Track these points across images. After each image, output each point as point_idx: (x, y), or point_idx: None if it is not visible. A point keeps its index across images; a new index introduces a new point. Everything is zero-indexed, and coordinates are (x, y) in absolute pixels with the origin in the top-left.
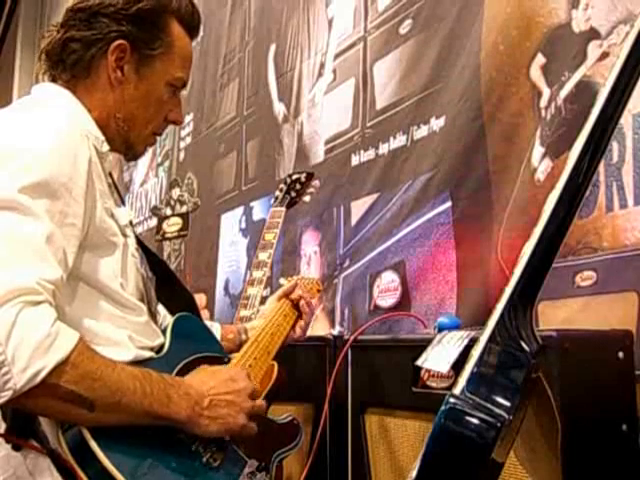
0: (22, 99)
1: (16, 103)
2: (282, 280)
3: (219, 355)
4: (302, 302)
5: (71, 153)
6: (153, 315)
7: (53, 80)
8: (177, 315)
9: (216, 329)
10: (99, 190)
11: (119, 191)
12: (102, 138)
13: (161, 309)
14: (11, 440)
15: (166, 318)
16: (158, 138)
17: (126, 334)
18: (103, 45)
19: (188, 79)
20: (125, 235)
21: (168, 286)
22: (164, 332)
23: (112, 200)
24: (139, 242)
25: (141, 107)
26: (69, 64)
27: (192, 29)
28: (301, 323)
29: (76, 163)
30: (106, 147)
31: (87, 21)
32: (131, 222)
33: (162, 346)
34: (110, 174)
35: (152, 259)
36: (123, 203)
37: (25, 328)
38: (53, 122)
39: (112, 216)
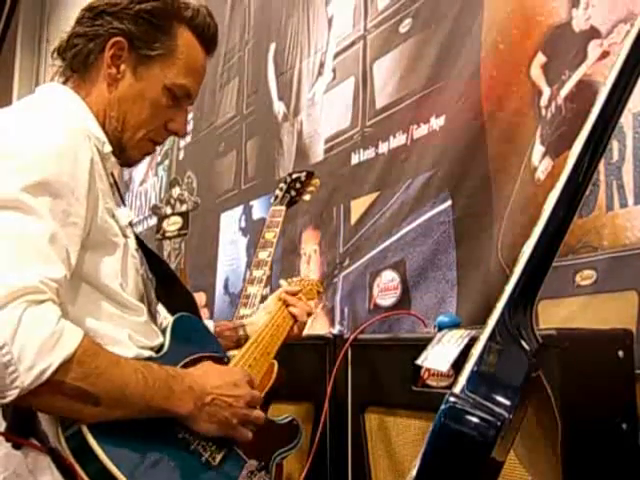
0: (26, 98)
1: (20, 102)
2: (282, 282)
3: (219, 355)
4: (294, 310)
5: (72, 153)
6: (153, 316)
7: (66, 81)
8: (177, 315)
9: (210, 327)
10: (101, 190)
11: (120, 192)
12: (104, 139)
13: (161, 309)
14: (11, 439)
15: (166, 318)
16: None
17: (126, 333)
18: (102, 41)
19: (194, 90)
20: (125, 236)
21: (168, 286)
22: (164, 332)
23: (113, 200)
24: (139, 242)
25: (135, 108)
26: (69, 57)
27: (207, 42)
28: (298, 325)
29: (78, 163)
30: (108, 148)
31: (93, 19)
32: (131, 223)
33: (161, 346)
34: (112, 174)
35: (152, 259)
36: (124, 203)
37: (30, 327)
38: (55, 122)
39: (113, 216)
